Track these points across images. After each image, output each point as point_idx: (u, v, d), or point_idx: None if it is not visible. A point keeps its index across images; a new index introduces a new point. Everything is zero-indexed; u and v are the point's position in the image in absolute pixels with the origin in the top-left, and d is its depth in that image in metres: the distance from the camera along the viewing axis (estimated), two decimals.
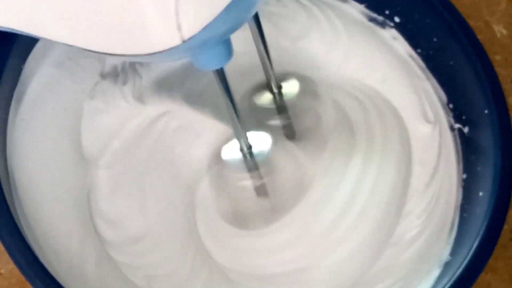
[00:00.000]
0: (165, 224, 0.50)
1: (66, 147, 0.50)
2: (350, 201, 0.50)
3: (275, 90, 0.52)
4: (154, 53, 0.32)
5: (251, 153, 0.48)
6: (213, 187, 0.51)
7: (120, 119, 0.52)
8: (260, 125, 0.51)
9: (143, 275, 0.48)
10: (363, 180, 0.51)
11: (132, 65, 0.53)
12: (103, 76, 0.53)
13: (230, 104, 0.43)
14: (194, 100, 0.53)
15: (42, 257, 0.43)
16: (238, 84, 0.50)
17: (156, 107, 0.52)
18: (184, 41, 0.31)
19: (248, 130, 0.48)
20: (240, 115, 0.44)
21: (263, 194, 0.50)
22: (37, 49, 0.50)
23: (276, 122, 0.52)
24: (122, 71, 0.53)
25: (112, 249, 0.49)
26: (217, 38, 0.35)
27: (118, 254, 0.48)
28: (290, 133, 0.52)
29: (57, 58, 0.51)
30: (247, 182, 0.49)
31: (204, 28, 0.31)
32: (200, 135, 0.52)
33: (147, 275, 0.48)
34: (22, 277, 0.42)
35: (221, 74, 0.41)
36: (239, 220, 0.50)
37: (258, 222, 0.50)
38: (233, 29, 0.36)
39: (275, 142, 0.50)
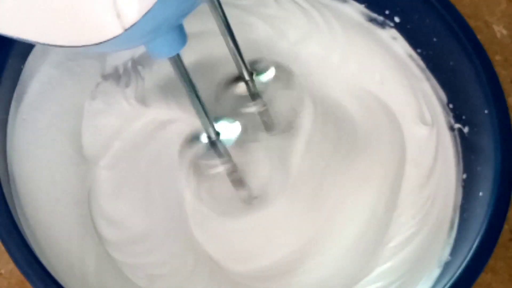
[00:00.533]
0: (167, 224, 0.50)
1: (67, 147, 0.50)
2: (332, 197, 0.51)
3: (247, 78, 0.50)
4: (98, 44, 0.31)
5: (219, 140, 0.47)
6: (193, 179, 0.50)
7: (121, 120, 0.52)
8: (236, 114, 0.50)
9: (144, 275, 0.48)
10: (348, 177, 0.52)
11: (135, 67, 0.53)
12: (105, 77, 0.53)
13: (191, 91, 0.42)
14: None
15: (42, 257, 0.43)
16: (213, 74, 0.50)
17: (163, 112, 0.52)
18: (125, 29, 0.31)
19: (221, 118, 0.48)
20: (203, 103, 0.43)
21: (238, 183, 0.49)
22: (37, 49, 0.50)
23: (251, 110, 0.51)
24: (124, 73, 0.53)
25: (113, 249, 0.48)
26: (164, 25, 0.34)
27: (119, 254, 0.48)
28: (267, 121, 0.52)
29: (57, 58, 0.51)
30: (220, 168, 0.48)
31: (145, 15, 0.31)
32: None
33: (148, 274, 0.48)
34: (22, 277, 0.42)
35: (177, 61, 0.40)
36: (224, 208, 0.50)
37: (239, 206, 0.50)
38: (180, 15, 0.34)
39: (246, 129, 0.49)
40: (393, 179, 0.52)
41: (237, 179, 0.49)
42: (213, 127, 0.46)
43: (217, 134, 0.47)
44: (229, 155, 0.47)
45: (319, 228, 0.50)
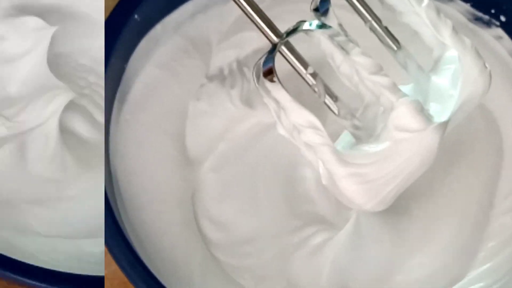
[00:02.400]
0: (275, 225, 0.49)
1: (170, 148, 0.50)
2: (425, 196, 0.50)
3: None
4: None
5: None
6: None
7: (227, 122, 0.51)
8: None
9: (249, 276, 0.48)
10: (442, 180, 0.51)
11: (240, 68, 0.53)
12: (209, 78, 0.52)
13: None
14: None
15: (146, 258, 0.43)
16: None
17: (269, 115, 0.51)
18: None
19: None
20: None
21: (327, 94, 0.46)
22: (139, 49, 0.50)
23: None
24: (229, 74, 0.53)
25: (218, 250, 0.48)
26: None
27: (225, 256, 0.48)
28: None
29: (160, 58, 0.51)
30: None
31: None
32: None
33: (254, 275, 0.48)
34: (124, 278, 0.42)
35: None
36: None
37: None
38: None
39: None
40: (486, 180, 0.52)
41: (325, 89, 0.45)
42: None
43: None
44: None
45: (415, 227, 0.50)
